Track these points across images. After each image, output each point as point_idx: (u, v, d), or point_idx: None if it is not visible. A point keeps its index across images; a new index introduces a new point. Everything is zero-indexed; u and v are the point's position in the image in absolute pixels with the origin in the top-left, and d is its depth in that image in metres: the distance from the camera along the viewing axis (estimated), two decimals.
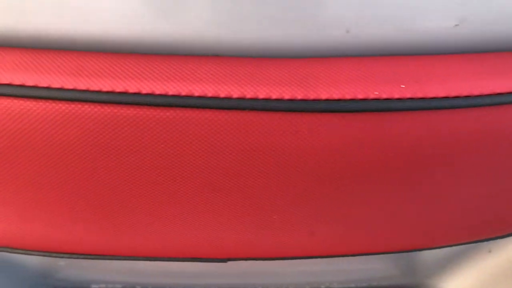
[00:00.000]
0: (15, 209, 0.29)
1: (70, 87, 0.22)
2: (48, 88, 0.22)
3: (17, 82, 0.22)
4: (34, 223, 0.31)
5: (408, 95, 0.22)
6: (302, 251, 0.34)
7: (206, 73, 0.23)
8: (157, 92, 0.22)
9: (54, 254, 0.36)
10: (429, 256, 0.57)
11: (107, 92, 0.22)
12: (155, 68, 0.23)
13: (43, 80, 0.22)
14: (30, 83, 0.22)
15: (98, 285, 0.58)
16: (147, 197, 0.27)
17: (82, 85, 0.22)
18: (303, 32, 0.24)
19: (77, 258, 0.37)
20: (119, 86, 0.22)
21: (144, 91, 0.22)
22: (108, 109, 0.22)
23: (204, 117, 0.23)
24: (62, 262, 0.57)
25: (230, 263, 0.48)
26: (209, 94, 0.22)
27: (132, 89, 0.22)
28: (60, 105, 0.22)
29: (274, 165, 0.25)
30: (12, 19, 0.24)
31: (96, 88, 0.22)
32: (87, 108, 0.22)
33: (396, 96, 0.22)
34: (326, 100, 0.22)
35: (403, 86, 0.22)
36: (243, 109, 0.22)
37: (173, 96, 0.22)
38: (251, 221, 0.28)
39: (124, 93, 0.22)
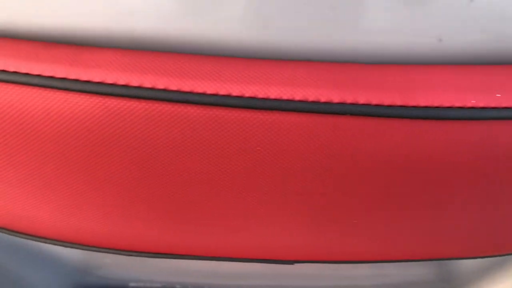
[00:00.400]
0: (93, 206, 0.29)
1: (174, 88, 0.23)
2: (152, 89, 0.23)
3: (121, 82, 0.23)
4: (111, 220, 0.32)
5: (504, 104, 0.23)
6: (366, 255, 0.34)
7: (305, 77, 0.23)
8: (260, 96, 0.23)
9: (112, 251, 0.37)
10: (466, 264, 0.57)
11: (211, 95, 0.23)
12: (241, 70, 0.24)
13: (146, 81, 0.23)
14: (135, 83, 0.23)
15: (137, 283, 0.59)
16: (225, 199, 0.27)
17: (186, 87, 0.23)
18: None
19: (134, 255, 0.37)
20: (222, 89, 0.23)
21: (247, 95, 0.23)
22: (198, 111, 0.23)
23: (302, 121, 0.23)
24: (105, 259, 0.57)
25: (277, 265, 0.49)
26: (310, 99, 0.23)
27: (223, 92, 0.23)
28: (163, 106, 0.23)
29: (364, 170, 0.25)
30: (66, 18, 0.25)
31: (200, 91, 0.23)
32: (189, 109, 0.23)
33: (493, 104, 0.23)
34: (425, 107, 0.23)
35: (499, 95, 0.23)
36: (343, 114, 0.23)
37: (275, 100, 0.23)
38: (329, 225, 0.29)
39: (228, 96, 0.23)
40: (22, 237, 0.37)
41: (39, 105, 0.23)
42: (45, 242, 0.35)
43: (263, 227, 0.29)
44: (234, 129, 0.23)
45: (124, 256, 0.56)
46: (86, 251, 0.54)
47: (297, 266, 0.51)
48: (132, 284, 0.59)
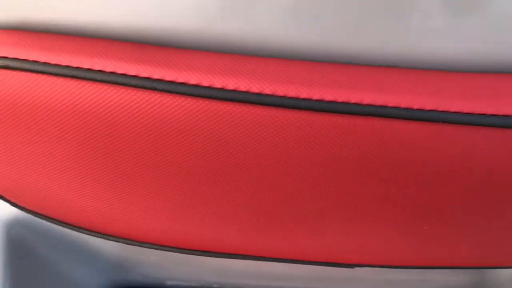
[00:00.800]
0: (165, 204, 0.30)
1: (268, 92, 0.23)
2: (210, 87, 0.23)
3: (217, 85, 0.23)
4: (158, 216, 0.32)
5: None
6: (421, 261, 0.34)
7: (395, 83, 0.24)
8: (305, 96, 0.23)
9: (156, 246, 0.37)
10: (503, 273, 0.57)
11: (304, 99, 0.23)
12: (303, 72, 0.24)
13: (241, 85, 0.23)
14: (230, 86, 0.23)
15: (174, 281, 0.59)
16: (307, 204, 0.28)
17: (280, 92, 0.23)
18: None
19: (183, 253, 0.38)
20: (316, 94, 0.23)
21: (339, 100, 0.23)
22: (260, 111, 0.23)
23: (405, 128, 0.23)
24: (142, 257, 0.58)
25: (319, 268, 0.49)
26: (403, 105, 0.23)
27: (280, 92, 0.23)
28: (257, 109, 0.23)
29: (436, 177, 0.25)
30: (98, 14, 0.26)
31: (294, 95, 0.23)
32: (281, 113, 0.23)
33: None
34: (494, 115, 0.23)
35: None
36: (447, 122, 0.23)
37: (343, 103, 0.23)
38: (399, 230, 0.29)
39: (285, 96, 0.23)
40: (72, 229, 0.37)
41: (133, 106, 0.24)
42: (101, 237, 0.36)
43: (336, 231, 0.30)
44: (325, 134, 0.23)
45: (161, 254, 0.57)
46: (124, 248, 0.55)
47: (343, 270, 0.51)
48: (169, 283, 0.59)
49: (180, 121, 0.24)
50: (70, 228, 0.36)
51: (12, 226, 0.47)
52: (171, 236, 0.35)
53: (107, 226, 0.35)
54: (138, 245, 0.37)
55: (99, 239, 0.52)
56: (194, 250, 0.37)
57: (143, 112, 0.24)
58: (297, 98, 0.23)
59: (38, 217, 0.36)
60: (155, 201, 0.30)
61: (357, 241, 0.31)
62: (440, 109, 0.23)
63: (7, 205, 0.47)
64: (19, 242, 0.48)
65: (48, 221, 0.36)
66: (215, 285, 0.58)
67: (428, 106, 0.23)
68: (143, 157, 0.26)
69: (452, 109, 0.23)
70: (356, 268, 0.48)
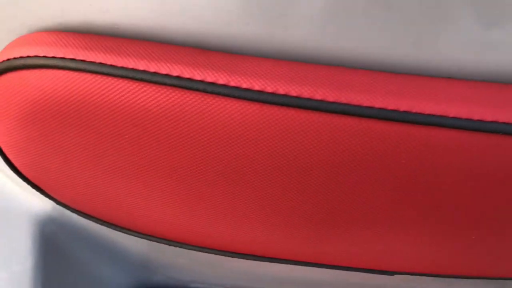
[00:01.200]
0: (177, 200, 0.30)
1: (331, 99, 0.24)
2: (273, 93, 0.24)
3: (244, 86, 0.24)
4: (199, 219, 0.33)
5: None
6: (465, 270, 0.35)
7: (459, 94, 0.24)
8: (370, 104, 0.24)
9: (191, 247, 0.38)
10: None
11: (368, 107, 0.23)
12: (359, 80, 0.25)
13: (305, 91, 0.24)
14: (293, 93, 0.24)
15: (198, 284, 0.59)
16: (362, 212, 0.28)
17: (343, 99, 0.24)
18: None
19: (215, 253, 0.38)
20: (378, 102, 0.24)
21: (402, 109, 0.24)
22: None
23: (463, 139, 0.24)
24: (167, 259, 0.58)
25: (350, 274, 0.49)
26: (464, 116, 0.23)
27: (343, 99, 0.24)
28: (318, 116, 0.24)
29: (489, 187, 0.26)
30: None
31: (356, 103, 0.24)
32: (343, 120, 0.24)
33: None
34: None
35: None
36: (499, 133, 0.23)
37: (405, 112, 0.24)
38: (447, 239, 0.30)
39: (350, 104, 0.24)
40: (109, 227, 0.38)
41: (197, 110, 0.24)
42: (135, 235, 0.36)
43: (383, 238, 0.30)
44: (384, 142, 0.24)
45: (189, 257, 0.57)
46: (150, 249, 0.55)
47: (371, 276, 0.51)
48: (193, 285, 0.60)
49: (243, 126, 0.24)
50: (107, 226, 0.37)
51: (45, 223, 0.48)
52: (208, 238, 0.36)
53: (145, 224, 0.36)
54: (172, 245, 0.37)
55: (127, 239, 0.53)
56: (226, 252, 0.38)
57: (206, 116, 0.25)
58: (360, 106, 0.24)
59: (78, 214, 0.37)
60: (207, 204, 0.30)
61: (401, 249, 0.31)
62: (500, 120, 0.23)
63: (41, 202, 0.48)
64: (51, 239, 0.49)
65: (87, 218, 0.37)
66: None
67: (487, 117, 0.23)
68: (202, 161, 0.27)
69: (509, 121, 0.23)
70: (383, 276, 0.48)
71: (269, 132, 0.24)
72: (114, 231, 0.52)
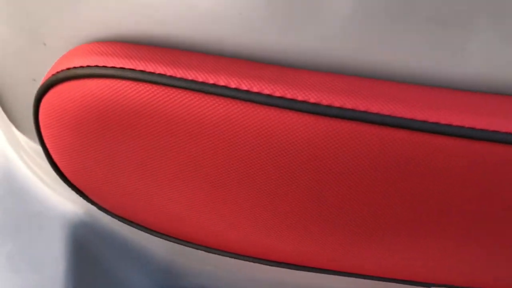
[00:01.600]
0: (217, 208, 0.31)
1: (349, 107, 0.24)
2: (329, 106, 0.25)
3: (300, 98, 0.25)
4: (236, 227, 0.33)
5: None
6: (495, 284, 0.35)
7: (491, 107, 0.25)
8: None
9: (227, 253, 0.38)
10: None
11: (419, 121, 0.24)
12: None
13: (360, 104, 0.25)
14: (348, 106, 0.24)
15: None
16: (401, 222, 0.29)
17: (348, 105, 0.24)
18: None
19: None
20: (396, 111, 0.24)
21: (431, 120, 0.24)
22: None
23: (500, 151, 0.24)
24: (188, 266, 0.59)
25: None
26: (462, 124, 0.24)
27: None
28: (371, 128, 0.25)
29: None
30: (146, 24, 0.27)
31: (409, 116, 0.24)
32: (396, 133, 0.25)
33: None
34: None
35: None
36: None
37: (434, 123, 0.24)
38: (487, 251, 0.30)
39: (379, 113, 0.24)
40: (144, 231, 0.38)
41: (253, 121, 0.25)
42: (191, 246, 0.37)
43: (419, 248, 0.31)
44: (438, 155, 0.25)
45: (216, 263, 0.58)
46: (177, 255, 0.56)
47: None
48: None
49: (299, 139, 0.25)
50: (143, 230, 0.38)
51: (77, 227, 0.49)
52: (243, 244, 0.36)
53: (184, 231, 0.36)
54: (212, 252, 0.38)
55: (154, 245, 0.54)
56: (261, 259, 0.38)
57: (263, 128, 0.25)
58: (402, 118, 0.24)
59: (117, 218, 0.37)
60: (249, 213, 0.31)
61: (441, 260, 0.32)
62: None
63: (73, 207, 0.49)
64: (82, 243, 0.49)
65: (124, 222, 0.37)
66: None
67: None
68: (256, 171, 0.28)
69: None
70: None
71: (323, 143, 0.25)
72: (142, 237, 0.52)
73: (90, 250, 0.51)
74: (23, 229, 0.48)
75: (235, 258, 0.37)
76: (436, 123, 0.24)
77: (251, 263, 0.54)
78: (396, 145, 0.25)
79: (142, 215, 0.35)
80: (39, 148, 0.45)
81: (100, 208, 0.37)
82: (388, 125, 0.24)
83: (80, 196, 0.36)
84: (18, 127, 0.45)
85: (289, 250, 0.35)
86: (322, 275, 0.51)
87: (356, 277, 0.36)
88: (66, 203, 0.48)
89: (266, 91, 0.25)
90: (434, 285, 0.35)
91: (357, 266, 0.35)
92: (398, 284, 0.36)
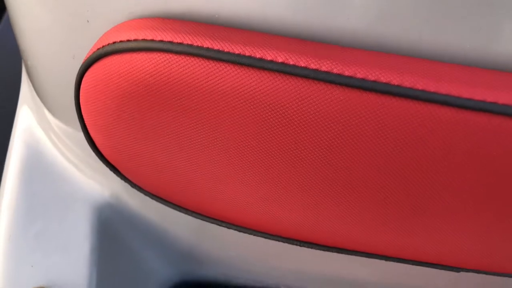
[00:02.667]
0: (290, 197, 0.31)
1: (395, 83, 0.25)
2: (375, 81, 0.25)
3: (347, 73, 0.25)
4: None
5: None
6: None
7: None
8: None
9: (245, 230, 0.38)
10: None
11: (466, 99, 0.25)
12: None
13: (406, 81, 0.25)
14: (395, 82, 0.25)
15: (244, 280, 0.60)
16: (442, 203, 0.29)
17: (395, 81, 0.25)
18: None
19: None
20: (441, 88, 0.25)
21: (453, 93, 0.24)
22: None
23: None
24: (207, 255, 0.59)
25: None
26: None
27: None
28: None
29: None
30: None
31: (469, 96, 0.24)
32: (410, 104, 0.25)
33: None
34: None
35: None
36: None
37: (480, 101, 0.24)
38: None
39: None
40: (175, 208, 0.39)
41: (303, 96, 0.26)
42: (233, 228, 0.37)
43: (454, 230, 0.31)
44: (482, 134, 0.25)
45: (241, 250, 0.58)
46: (200, 241, 0.56)
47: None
48: (237, 281, 0.60)
49: (343, 112, 0.26)
50: (173, 208, 0.38)
51: (103, 209, 0.50)
52: (276, 224, 0.36)
53: (217, 209, 0.36)
54: (242, 231, 0.38)
55: (178, 229, 0.54)
56: (305, 242, 0.38)
57: (309, 102, 0.26)
58: (448, 95, 0.25)
59: (150, 196, 0.38)
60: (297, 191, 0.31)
61: (472, 243, 0.32)
62: None
63: (100, 189, 0.49)
64: (107, 226, 0.50)
65: (157, 201, 0.38)
66: (282, 286, 0.59)
67: None
68: (298, 147, 0.28)
69: None
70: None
71: (369, 119, 0.25)
72: (167, 221, 0.53)
73: (115, 233, 0.51)
74: (51, 210, 0.49)
75: (264, 237, 0.38)
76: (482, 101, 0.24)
77: (274, 253, 0.55)
78: (445, 125, 0.25)
79: (177, 193, 0.36)
80: (69, 130, 0.46)
81: (133, 185, 0.38)
82: (435, 102, 0.25)
83: (114, 172, 0.37)
84: (49, 108, 0.46)
85: (340, 234, 0.35)
86: (343, 262, 0.52)
87: (395, 261, 0.36)
88: (93, 185, 0.49)
89: (313, 66, 0.25)
90: (463, 269, 0.35)
91: (402, 251, 0.35)
92: (425, 268, 0.36)
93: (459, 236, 0.31)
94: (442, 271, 0.49)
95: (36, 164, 0.49)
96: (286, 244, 0.52)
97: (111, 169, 0.37)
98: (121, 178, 0.37)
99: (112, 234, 0.51)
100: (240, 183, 0.32)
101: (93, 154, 0.37)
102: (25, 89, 0.51)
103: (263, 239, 0.51)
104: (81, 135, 0.44)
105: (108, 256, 0.50)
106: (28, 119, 0.50)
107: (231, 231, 0.51)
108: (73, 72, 0.37)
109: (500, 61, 0.27)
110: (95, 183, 0.49)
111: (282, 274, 0.58)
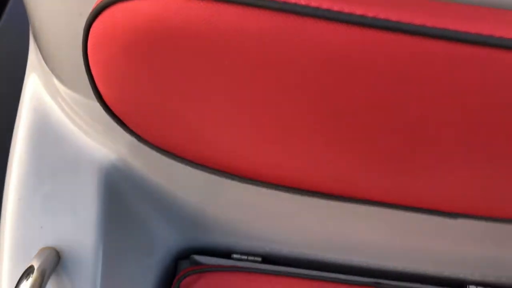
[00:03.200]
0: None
1: (407, 21, 0.25)
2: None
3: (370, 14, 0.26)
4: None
5: None
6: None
7: None
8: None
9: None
10: None
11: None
12: None
13: (370, 12, 0.25)
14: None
15: (239, 256, 0.61)
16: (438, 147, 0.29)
17: (394, 18, 0.25)
18: None
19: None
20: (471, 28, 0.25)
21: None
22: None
23: None
24: (211, 226, 0.60)
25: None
26: None
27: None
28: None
29: None
30: None
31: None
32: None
33: None
34: None
35: None
36: None
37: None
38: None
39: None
40: (173, 158, 0.39)
41: (304, 34, 0.26)
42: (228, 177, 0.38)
43: (451, 171, 0.32)
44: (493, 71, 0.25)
45: (231, 226, 0.59)
46: (207, 209, 0.57)
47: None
48: (235, 256, 0.61)
49: (345, 49, 0.26)
50: (182, 162, 0.39)
51: (109, 173, 0.51)
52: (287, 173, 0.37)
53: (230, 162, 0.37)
54: (240, 181, 0.38)
55: (185, 194, 0.55)
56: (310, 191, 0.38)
57: (310, 40, 0.26)
58: (445, 29, 0.25)
59: (159, 151, 0.39)
60: (297, 135, 0.32)
61: (462, 186, 0.33)
62: None
63: (106, 152, 0.50)
64: (114, 189, 0.51)
65: (166, 155, 0.39)
66: (283, 249, 0.60)
67: None
68: (299, 85, 0.28)
69: None
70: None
71: (369, 56, 0.26)
72: (174, 185, 0.54)
73: (122, 196, 0.52)
74: (59, 173, 0.50)
75: (267, 187, 0.38)
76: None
77: (278, 217, 0.56)
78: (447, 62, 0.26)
79: (185, 144, 0.36)
80: (77, 96, 0.47)
81: (141, 139, 0.39)
82: (433, 37, 0.25)
83: (122, 127, 0.38)
84: (57, 74, 0.47)
85: (351, 180, 0.35)
86: (346, 221, 0.53)
87: (395, 208, 0.37)
88: (100, 149, 0.50)
89: (313, 4, 0.26)
90: (461, 215, 0.36)
91: (400, 196, 0.35)
92: (422, 215, 0.37)
93: (457, 177, 0.32)
94: (442, 229, 0.50)
95: (44, 129, 0.50)
96: (289, 208, 0.53)
97: (118, 123, 0.38)
98: (129, 133, 0.38)
99: (119, 197, 0.52)
100: (252, 126, 0.32)
101: (100, 117, 0.37)
102: (33, 56, 0.52)
103: (267, 203, 0.52)
104: (88, 100, 0.45)
105: (115, 219, 0.52)
106: (35, 86, 0.51)
107: (238, 195, 0.52)
108: (80, 29, 0.37)
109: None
110: (102, 147, 0.50)
111: (286, 239, 0.59)
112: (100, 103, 0.37)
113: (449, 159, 0.30)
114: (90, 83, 0.35)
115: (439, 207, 0.36)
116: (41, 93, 0.51)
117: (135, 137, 0.39)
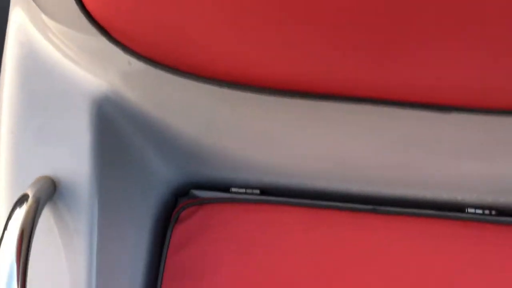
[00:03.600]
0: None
1: None
2: None
3: None
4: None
5: None
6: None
7: None
8: None
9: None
10: None
11: None
12: None
13: None
14: None
15: (238, 189, 0.61)
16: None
17: None
18: None
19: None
20: None
21: None
22: None
23: None
24: (209, 160, 0.59)
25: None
26: None
27: None
28: None
29: None
30: None
31: None
32: None
33: None
34: None
35: None
36: None
37: None
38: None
39: None
40: (179, 75, 0.38)
41: None
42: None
43: (445, 55, 0.31)
44: None
45: (228, 158, 0.59)
46: (203, 145, 0.57)
47: None
48: (233, 189, 0.61)
49: None
50: (175, 74, 0.38)
51: (101, 103, 0.50)
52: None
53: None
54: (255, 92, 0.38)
55: (180, 125, 0.55)
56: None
57: None
58: None
59: (149, 63, 0.38)
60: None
61: (453, 75, 0.32)
62: None
63: (97, 82, 0.50)
64: (108, 120, 0.51)
65: (158, 68, 0.38)
66: (281, 180, 0.60)
67: None
68: None
69: None
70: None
71: None
72: (167, 116, 0.54)
73: (116, 127, 0.52)
74: (51, 105, 0.49)
75: (261, 92, 0.38)
76: None
77: (277, 143, 0.55)
78: None
79: (174, 51, 0.35)
80: (65, 30, 0.46)
81: (127, 50, 0.38)
82: None
83: (106, 37, 0.37)
84: (44, 10, 0.46)
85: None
86: (345, 143, 0.52)
87: (378, 104, 0.36)
88: (91, 79, 0.49)
89: None
90: (454, 109, 0.35)
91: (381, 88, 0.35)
92: (415, 111, 0.36)
93: (449, 59, 0.31)
94: (439, 145, 0.49)
95: (33, 62, 0.49)
96: (283, 131, 0.53)
97: (102, 33, 0.37)
98: (113, 43, 0.38)
99: (113, 128, 0.52)
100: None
101: (90, 44, 0.36)
102: None
103: (261, 127, 0.52)
104: (75, 28, 0.44)
105: (110, 150, 0.51)
106: (21, 19, 0.50)
107: (232, 121, 0.52)
108: None
109: None
110: (93, 77, 0.49)
111: (283, 169, 0.59)
112: (83, 12, 0.36)
113: (439, 33, 0.29)
114: None
115: (432, 100, 0.35)
116: (26, 25, 0.50)
117: (120, 48, 0.38)
